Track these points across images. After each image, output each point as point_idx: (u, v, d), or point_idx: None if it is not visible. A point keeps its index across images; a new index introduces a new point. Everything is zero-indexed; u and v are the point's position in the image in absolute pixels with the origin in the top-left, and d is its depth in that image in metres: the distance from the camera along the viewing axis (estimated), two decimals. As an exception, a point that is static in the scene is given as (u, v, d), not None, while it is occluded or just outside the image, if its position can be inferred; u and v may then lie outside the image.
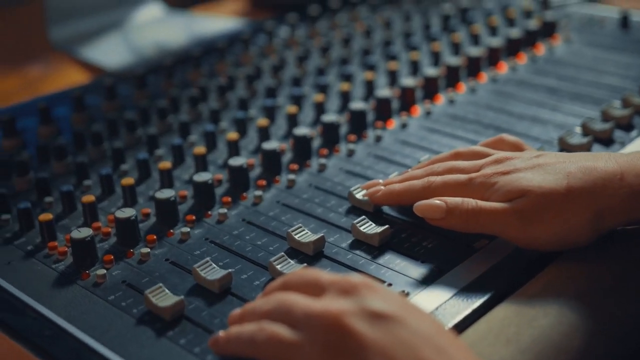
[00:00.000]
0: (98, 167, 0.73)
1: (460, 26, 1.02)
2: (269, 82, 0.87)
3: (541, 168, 0.57)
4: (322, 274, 0.48)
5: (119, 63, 1.00)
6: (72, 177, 0.72)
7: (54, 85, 0.97)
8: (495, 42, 0.91)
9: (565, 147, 0.71)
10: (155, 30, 1.12)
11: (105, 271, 0.57)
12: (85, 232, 0.58)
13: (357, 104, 0.78)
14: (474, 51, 0.89)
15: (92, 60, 1.02)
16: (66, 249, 0.60)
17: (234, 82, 0.89)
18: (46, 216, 0.62)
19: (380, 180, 0.65)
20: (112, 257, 0.58)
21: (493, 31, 0.99)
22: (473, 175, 0.59)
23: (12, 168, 0.71)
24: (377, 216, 0.63)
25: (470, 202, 0.57)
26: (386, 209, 0.64)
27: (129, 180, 0.66)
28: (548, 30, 0.97)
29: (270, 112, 0.80)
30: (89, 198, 0.64)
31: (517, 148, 0.65)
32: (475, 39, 0.96)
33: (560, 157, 0.59)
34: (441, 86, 0.85)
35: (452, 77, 0.86)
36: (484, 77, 0.88)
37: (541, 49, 0.95)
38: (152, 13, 1.17)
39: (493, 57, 0.90)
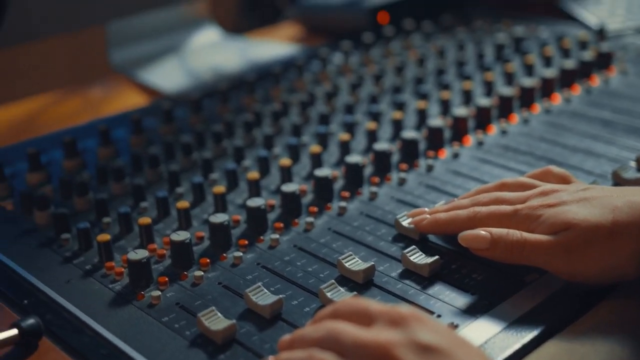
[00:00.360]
0: (154, 189, 0.75)
1: (514, 56, 1.02)
2: (322, 109, 0.88)
3: (587, 201, 0.58)
4: (371, 303, 0.48)
5: (176, 86, 1.03)
6: (129, 198, 0.74)
7: (113, 107, 1.00)
8: (549, 72, 0.91)
9: (619, 181, 0.70)
10: (211, 54, 1.15)
11: (159, 293, 0.58)
12: (141, 254, 0.60)
13: (409, 133, 0.79)
14: (528, 82, 0.89)
15: (150, 83, 1.05)
16: (123, 269, 0.62)
17: (287, 108, 0.90)
18: (104, 237, 0.64)
19: (426, 209, 0.66)
20: (167, 279, 0.60)
21: (547, 61, 0.98)
22: (519, 206, 0.60)
23: (72, 188, 0.74)
24: (425, 245, 0.63)
25: (515, 233, 0.57)
26: (432, 237, 0.65)
27: (184, 204, 0.68)
28: (603, 61, 0.97)
29: (323, 139, 0.82)
30: (145, 220, 0.66)
31: (564, 180, 0.65)
32: (529, 69, 0.96)
33: (607, 190, 0.59)
34: (493, 116, 0.85)
35: (505, 108, 0.86)
36: (537, 108, 0.88)
37: (596, 81, 0.94)
38: (208, 37, 1.19)
39: (547, 88, 0.90)
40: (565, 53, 1.01)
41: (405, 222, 0.65)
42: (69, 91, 1.08)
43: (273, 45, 1.17)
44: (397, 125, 0.84)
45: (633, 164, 0.74)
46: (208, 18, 1.21)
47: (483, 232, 0.59)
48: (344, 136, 0.80)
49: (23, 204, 0.72)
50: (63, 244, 0.66)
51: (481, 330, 0.53)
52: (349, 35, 1.12)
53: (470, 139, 0.81)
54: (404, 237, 0.65)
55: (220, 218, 0.65)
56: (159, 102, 0.95)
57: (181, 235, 0.62)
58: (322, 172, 0.71)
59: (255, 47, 1.17)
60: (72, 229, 0.68)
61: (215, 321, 0.54)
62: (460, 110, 0.83)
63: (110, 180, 0.76)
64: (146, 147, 0.84)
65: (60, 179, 0.74)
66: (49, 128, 0.94)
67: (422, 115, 0.86)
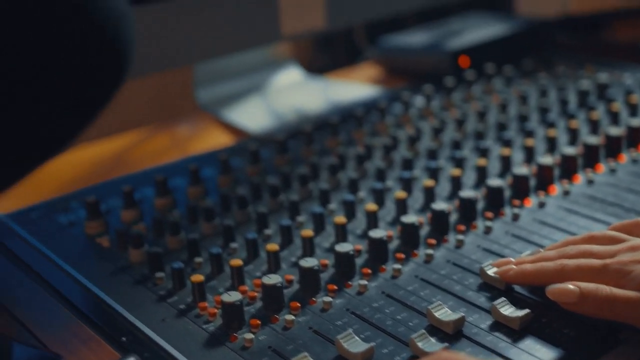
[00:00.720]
0: (243, 230, 0.76)
1: (598, 103, 1.02)
2: (405, 153, 0.89)
3: None
4: (468, 359, 0.49)
5: (260, 126, 1.05)
6: (219, 238, 0.76)
7: (200, 146, 1.03)
8: (636, 121, 0.90)
9: None
10: (293, 94, 1.17)
11: (252, 335, 0.60)
12: (235, 296, 0.62)
13: (494, 181, 0.79)
14: (614, 130, 0.89)
15: (235, 122, 1.08)
16: (216, 310, 0.64)
17: (371, 151, 0.91)
18: (197, 277, 0.66)
19: (512, 259, 0.66)
20: (259, 322, 0.61)
21: (633, 109, 0.98)
22: (608, 261, 0.60)
23: (165, 227, 0.76)
24: (512, 296, 0.63)
25: (605, 289, 0.57)
26: (517, 287, 0.65)
27: (273, 247, 0.70)
28: (691, 110, 0.95)
29: (407, 184, 0.82)
30: (236, 262, 0.67)
31: None
32: (614, 117, 0.95)
33: None
34: (579, 165, 0.85)
35: (591, 157, 0.86)
36: (624, 157, 0.87)
37: (684, 130, 0.93)
38: (291, 77, 1.22)
39: (633, 137, 0.89)
40: (652, 101, 1.00)
41: (491, 272, 0.66)
42: (157, 129, 1.11)
43: (353, 87, 1.19)
44: (481, 172, 0.84)
45: None
46: (290, 58, 1.24)
47: (571, 287, 0.59)
48: (429, 182, 0.80)
49: (118, 241, 0.75)
50: (157, 283, 0.69)
51: (575, 388, 0.53)
52: (429, 77, 1.13)
53: (556, 188, 0.81)
54: (490, 287, 0.65)
55: (310, 262, 0.66)
56: (246, 142, 0.98)
57: (273, 279, 0.64)
58: (409, 218, 0.72)
59: (336, 88, 1.19)
60: (165, 267, 0.70)
61: (309, 367, 0.55)
62: (545, 159, 0.83)
63: (201, 219, 0.78)
64: (234, 187, 0.86)
65: (153, 218, 0.77)
66: (138, 165, 0.97)
67: (505, 162, 0.86)
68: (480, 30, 1.22)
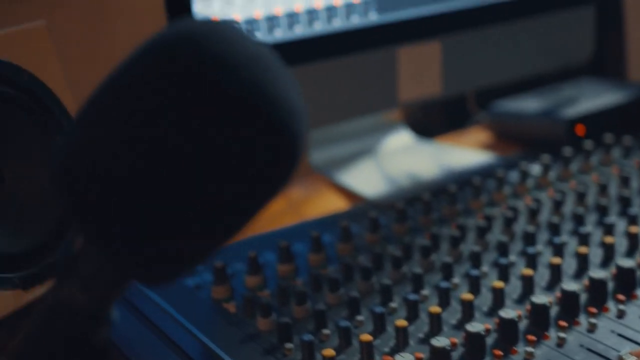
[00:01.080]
0: (367, 301, 0.77)
1: None
2: (525, 227, 0.88)
3: None
4: None
5: (375, 191, 1.06)
6: (344, 308, 0.76)
7: (314, 209, 1.04)
8: None
9: None
10: (405, 158, 1.17)
11: (387, 417, 0.60)
12: (369, 375, 0.62)
13: (624, 261, 0.77)
14: None
15: (349, 186, 1.09)
16: (347, 387, 0.64)
17: (491, 222, 0.91)
18: (329, 352, 0.66)
19: (651, 348, 0.64)
20: (393, 402, 0.61)
21: None
22: None
23: (290, 295, 0.77)
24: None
25: None
26: (657, 377, 0.63)
27: (402, 323, 0.70)
28: None
29: (531, 260, 0.81)
30: (367, 337, 0.67)
31: None
32: None
33: None
34: None
35: None
36: None
37: None
38: (401, 141, 1.22)
39: None
40: None
41: (629, 360, 0.64)
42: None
43: (465, 152, 1.19)
44: (609, 250, 0.82)
45: None
46: (401, 121, 1.25)
47: None
48: (555, 260, 0.79)
49: (245, 307, 0.76)
50: (286, 354, 0.69)
51: None
52: (542, 145, 1.12)
53: (691, 271, 0.79)
54: (628, 376, 0.63)
55: (442, 342, 0.65)
56: (363, 208, 0.98)
57: (406, 358, 0.64)
58: (539, 299, 0.71)
59: (447, 153, 1.19)
60: (293, 337, 0.71)
61: None
62: (677, 239, 0.81)
63: (325, 288, 0.78)
64: (354, 254, 0.86)
65: (278, 286, 0.78)
66: (255, 227, 0.98)
67: (633, 240, 0.84)
68: (596, 97, 1.20)
